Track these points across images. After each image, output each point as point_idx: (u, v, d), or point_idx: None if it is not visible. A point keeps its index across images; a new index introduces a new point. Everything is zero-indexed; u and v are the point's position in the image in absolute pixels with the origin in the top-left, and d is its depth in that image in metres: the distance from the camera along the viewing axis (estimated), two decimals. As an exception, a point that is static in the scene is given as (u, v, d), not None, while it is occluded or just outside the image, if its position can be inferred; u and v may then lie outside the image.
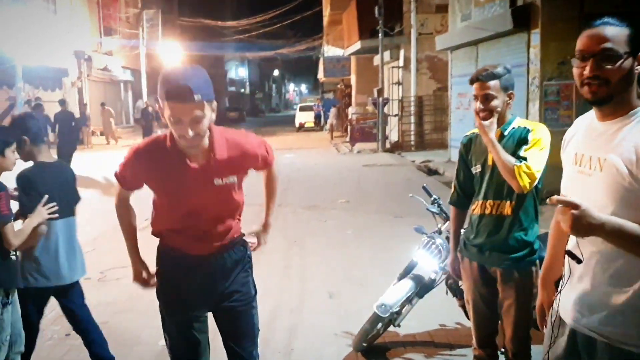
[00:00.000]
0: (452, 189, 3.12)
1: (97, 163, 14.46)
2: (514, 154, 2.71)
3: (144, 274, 2.69)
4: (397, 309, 3.77)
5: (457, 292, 3.77)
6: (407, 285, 3.82)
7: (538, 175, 2.66)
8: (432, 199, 4.00)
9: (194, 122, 2.11)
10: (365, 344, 3.95)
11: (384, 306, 3.72)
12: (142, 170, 2.39)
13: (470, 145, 2.97)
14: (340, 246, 6.84)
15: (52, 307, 4.90)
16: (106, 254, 6.60)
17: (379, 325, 3.90)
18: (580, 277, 1.95)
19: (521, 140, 2.75)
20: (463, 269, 2.99)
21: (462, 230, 3.08)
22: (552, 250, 2.27)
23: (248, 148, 2.44)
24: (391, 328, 4.12)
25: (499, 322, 3.01)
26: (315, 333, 4.32)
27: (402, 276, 3.94)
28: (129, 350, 4.06)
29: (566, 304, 2.06)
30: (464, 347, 3.80)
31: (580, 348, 2.00)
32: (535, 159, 2.66)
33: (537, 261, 2.79)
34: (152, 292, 5.71)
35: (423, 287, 3.82)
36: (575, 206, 1.67)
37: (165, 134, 2.29)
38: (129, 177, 2.47)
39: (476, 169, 2.91)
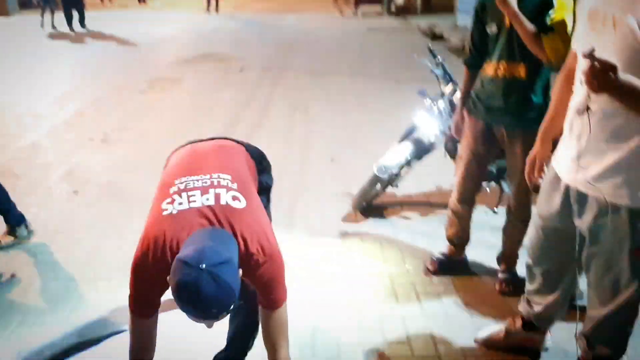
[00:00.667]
0: (467, 49, 3.06)
1: (92, 24, 14.00)
2: (536, 17, 2.57)
3: None
4: (396, 170, 3.86)
5: (454, 155, 3.83)
6: (407, 148, 3.87)
7: (567, 46, 2.55)
8: (437, 60, 3.92)
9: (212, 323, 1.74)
10: (364, 204, 4.09)
11: (383, 167, 3.81)
12: (154, 280, 1.83)
13: (486, 3, 2.86)
14: (343, 112, 6.83)
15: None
16: (108, 115, 6.62)
17: (378, 186, 4.01)
18: (579, 134, 1.98)
19: (544, 3, 2.59)
20: (467, 126, 3.01)
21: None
22: (556, 104, 2.26)
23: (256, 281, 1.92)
24: (389, 189, 4.25)
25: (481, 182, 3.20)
26: (317, 194, 4.46)
27: (402, 139, 3.98)
28: (136, 205, 4.19)
29: (563, 161, 2.11)
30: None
31: (572, 203, 2.08)
32: (563, 28, 2.53)
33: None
34: (160, 154, 5.79)
35: (422, 150, 3.87)
36: (612, 68, 1.63)
37: (159, 243, 1.79)
38: (146, 298, 1.90)
39: (491, 28, 2.80)
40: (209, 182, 1.89)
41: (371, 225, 3.92)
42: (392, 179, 4.00)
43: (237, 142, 2.31)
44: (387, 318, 2.89)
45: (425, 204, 4.23)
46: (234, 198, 1.86)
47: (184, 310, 1.61)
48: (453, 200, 3.19)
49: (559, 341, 2.66)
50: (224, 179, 1.92)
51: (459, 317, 2.90)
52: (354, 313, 2.93)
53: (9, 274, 3.28)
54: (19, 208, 4.14)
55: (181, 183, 1.89)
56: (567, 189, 2.10)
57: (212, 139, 2.29)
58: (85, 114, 6.71)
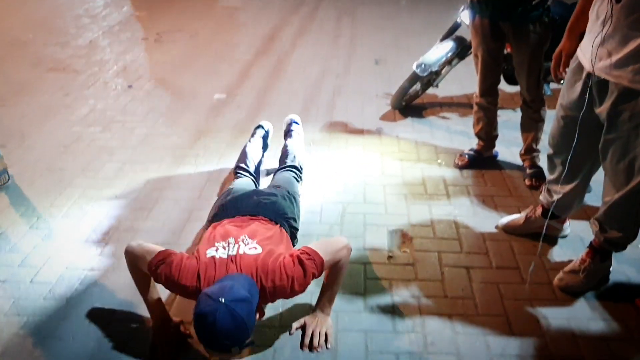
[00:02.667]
0: None
1: None
2: None
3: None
4: (437, 68, 3.88)
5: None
6: (448, 46, 3.87)
7: None
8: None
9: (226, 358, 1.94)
10: (403, 103, 4.16)
11: (423, 65, 3.84)
12: (178, 290, 2.05)
13: None
14: (392, 16, 6.75)
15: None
16: (161, 17, 6.77)
17: (418, 84, 4.06)
18: (604, 21, 1.99)
19: None
20: (473, 26, 3.06)
21: None
22: (582, 0, 2.27)
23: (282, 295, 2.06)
24: (430, 91, 4.30)
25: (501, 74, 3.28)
26: (358, 94, 4.55)
27: (444, 37, 3.98)
28: (186, 101, 4.43)
29: (586, 50, 2.13)
30: (500, 108, 3.95)
31: (592, 90, 2.13)
32: None
33: (549, 15, 2.84)
34: (208, 51, 5.93)
35: (464, 48, 3.86)
36: None
37: (195, 271, 1.98)
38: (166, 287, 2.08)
39: None
40: (236, 243, 2.12)
41: (409, 123, 4.01)
42: (432, 78, 4.04)
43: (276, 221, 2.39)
44: (414, 205, 3.05)
45: (466, 105, 4.25)
46: (250, 248, 2.08)
47: (200, 340, 1.79)
48: (477, 94, 3.30)
49: (577, 230, 2.78)
50: (247, 239, 2.14)
51: (484, 208, 3.03)
52: (382, 199, 3.10)
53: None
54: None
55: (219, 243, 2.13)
56: (589, 77, 2.14)
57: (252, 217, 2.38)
58: (140, 16, 6.89)
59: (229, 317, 1.73)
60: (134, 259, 2.08)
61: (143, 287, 2.16)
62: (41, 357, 2.13)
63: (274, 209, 2.42)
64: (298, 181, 2.95)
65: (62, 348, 2.17)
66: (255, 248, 2.07)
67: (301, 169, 3.08)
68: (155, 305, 2.20)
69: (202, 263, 2.00)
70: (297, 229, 2.48)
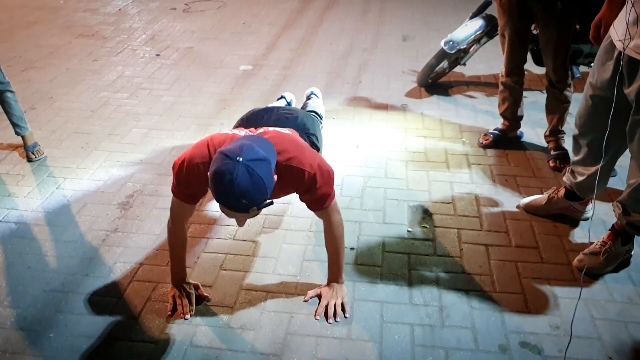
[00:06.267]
0: None
1: None
2: None
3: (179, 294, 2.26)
4: (465, 46, 3.83)
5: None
6: (478, 24, 3.82)
7: None
8: None
9: (244, 220, 1.86)
10: (429, 80, 4.13)
11: (451, 42, 3.79)
12: (198, 176, 1.94)
13: None
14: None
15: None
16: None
17: (445, 62, 4.02)
18: (636, 1, 1.95)
19: None
20: (500, 5, 3.02)
21: None
22: None
23: (298, 190, 2.03)
24: (457, 69, 4.25)
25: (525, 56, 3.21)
26: (384, 69, 4.52)
27: (474, 15, 3.93)
28: (212, 71, 4.44)
29: (619, 29, 2.09)
30: (527, 90, 3.89)
31: (623, 69, 2.09)
32: None
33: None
34: (236, 22, 5.93)
35: (494, 27, 3.81)
36: None
37: (207, 145, 1.94)
38: (189, 190, 2.02)
39: None
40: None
41: (434, 101, 3.99)
42: (460, 56, 3.99)
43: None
44: (436, 182, 3.04)
45: (493, 85, 4.20)
46: (281, 127, 2.08)
47: (218, 200, 1.70)
48: (502, 74, 3.26)
49: (599, 213, 2.75)
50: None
51: (506, 187, 3.00)
52: (403, 175, 3.10)
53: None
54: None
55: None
56: (620, 55, 2.10)
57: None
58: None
59: (247, 175, 1.65)
60: (171, 219, 2.12)
61: (176, 246, 2.19)
62: (65, 310, 2.20)
63: (296, 123, 2.35)
64: (319, 122, 2.86)
65: (84, 302, 2.24)
66: (286, 129, 2.06)
67: (321, 116, 3.00)
68: (179, 267, 2.25)
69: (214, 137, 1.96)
70: (318, 149, 2.41)
